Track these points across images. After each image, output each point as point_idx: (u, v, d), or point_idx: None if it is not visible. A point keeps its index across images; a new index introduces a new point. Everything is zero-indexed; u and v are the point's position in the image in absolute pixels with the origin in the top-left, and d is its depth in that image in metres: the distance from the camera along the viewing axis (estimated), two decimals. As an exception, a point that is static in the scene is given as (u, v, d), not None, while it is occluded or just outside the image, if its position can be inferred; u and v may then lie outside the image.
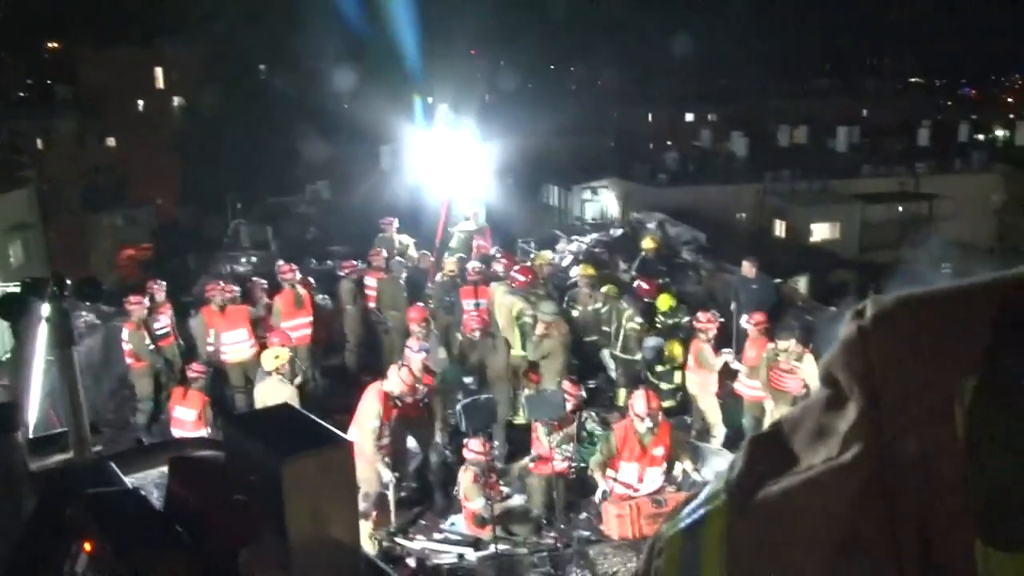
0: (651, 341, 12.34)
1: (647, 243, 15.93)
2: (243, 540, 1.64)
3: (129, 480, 2.16)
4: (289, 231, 21.33)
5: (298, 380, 10.72)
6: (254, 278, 14.22)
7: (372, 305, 13.94)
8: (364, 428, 8.71)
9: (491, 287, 12.87)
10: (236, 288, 12.83)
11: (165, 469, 1.96)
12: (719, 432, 10.96)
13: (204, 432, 10.43)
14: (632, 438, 8.46)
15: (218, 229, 22.40)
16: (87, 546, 1.71)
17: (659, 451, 8.48)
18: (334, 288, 14.61)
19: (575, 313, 12.99)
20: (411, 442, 10.04)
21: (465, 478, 8.70)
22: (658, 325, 12.46)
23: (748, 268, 13.92)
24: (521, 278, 12.13)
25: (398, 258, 15.01)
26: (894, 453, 0.60)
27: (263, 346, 11.69)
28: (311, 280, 14.04)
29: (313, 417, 1.97)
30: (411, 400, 9.29)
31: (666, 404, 10.10)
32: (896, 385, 0.62)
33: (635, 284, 12.66)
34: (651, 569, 0.76)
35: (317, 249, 18.86)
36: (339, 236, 20.00)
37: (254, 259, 18.13)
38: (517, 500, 9.23)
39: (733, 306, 14.02)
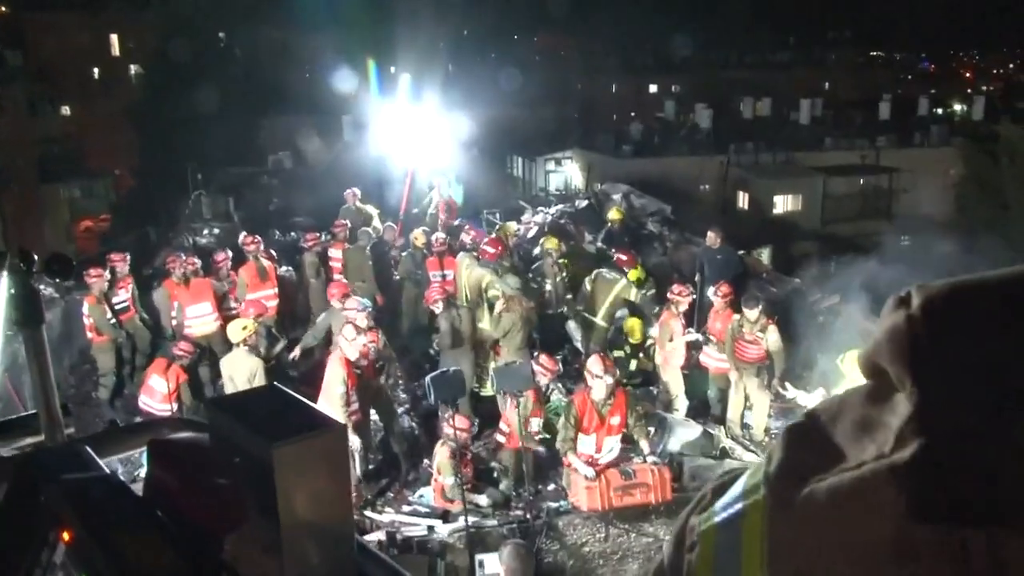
0: (619, 314, 12.44)
1: (613, 214, 15.95)
2: (229, 527, 1.60)
3: (105, 464, 2.09)
4: (251, 202, 21.03)
5: (280, 346, 10.86)
6: (217, 250, 14.03)
7: (337, 277, 13.84)
8: (332, 396, 8.75)
9: (458, 258, 12.82)
10: (198, 260, 12.65)
11: (143, 451, 1.91)
12: (682, 404, 11.06)
13: (172, 407, 10.37)
14: (590, 408, 8.52)
15: (179, 200, 21.99)
16: (65, 535, 1.65)
17: (616, 420, 8.56)
18: (298, 260, 14.48)
19: (547, 286, 13.00)
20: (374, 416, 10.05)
21: (441, 452, 8.70)
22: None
23: (713, 239, 14.02)
24: (491, 250, 12.07)
25: (364, 228, 14.91)
26: (960, 452, 0.56)
27: (228, 319, 11.58)
28: (274, 252, 13.88)
29: (303, 399, 1.92)
30: (367, 363, 9.24)
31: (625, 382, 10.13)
32: (955, 379, 0.58)
33: (614, 256, 12.68)
34: (683, 563, 0.73)
35: (280, 220, 18.62)
36: (302, 207, 19.77)
37: (216, 231, 17.86)
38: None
39: (698, 277, 14.14)
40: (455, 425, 8.39)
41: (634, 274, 12.57)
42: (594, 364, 8.54)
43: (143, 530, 1.59)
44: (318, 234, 14.30)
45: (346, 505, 1.87)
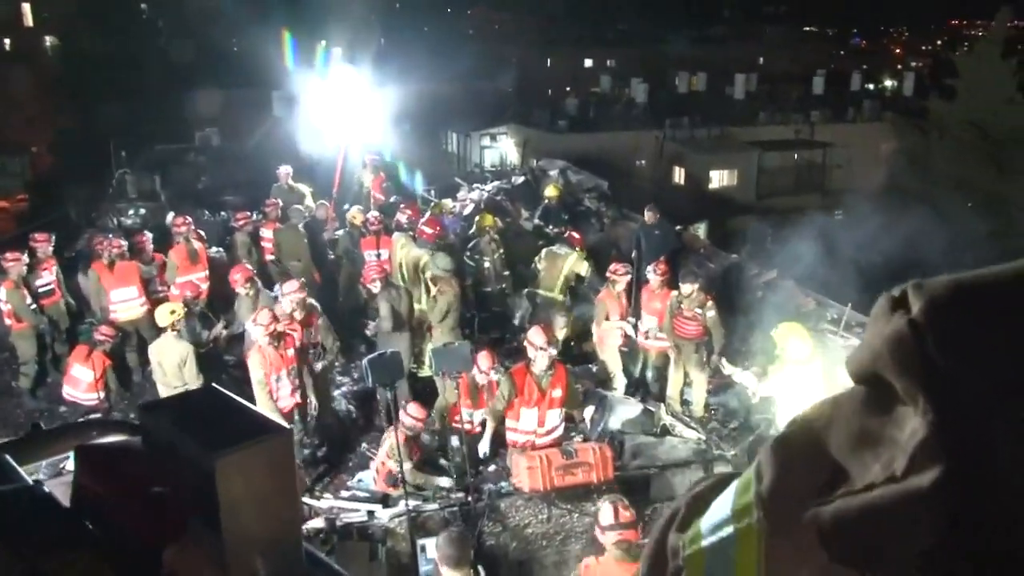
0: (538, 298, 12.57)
1: (550, 191, 15.97)
2: (167, 538, 1.53)
3: (28, 473, 1.98)
4: (179, 180, 20.54)
5: (217, 330, 10.84)
6: (143, 231, 13.66)
7: (270, 257, 13.64)
8: (253, 382, 8.65)
9: (393, 238, 12.71)
10: (123, 242, 12.29)
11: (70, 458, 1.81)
12: (619, 383, 11.16)
13: (98, 396, 10.13)
14: (530, 381, 8.52)
15: (101, 179, 21.33)
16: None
17: (557, 392, 8.60)
18: (228, 240, 14.21)
19: (486, 263, 12.97)
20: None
21: (391, 438, 8.63)
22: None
23: (650, 216, 14.13)
24: (429, 230, 11.97)
25: (296, 206, 14.67)
26: (987, 477, 0.52)
27: (156, 303, 11.31)
28: (203, 233, 13.58)
29: (244, 402, 1.85)
30: (277, 346, 9.10)
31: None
32: (973, 395, 0.53)
33: (565, 233, 12.83)
34: None
35: (209, 199, 18.23)
36: (232, 185, 19.39)
37: (142, 211, 17.38)
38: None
39: (635, 254, 14.25)
40: (410, 413, 8.41)
41: (580, 254, 12.66)
42: (536, 336, 8.54)
43: (69, 543, 1.50)
44: (249, 213, 14.04)
45: (294, 514, 1.81)
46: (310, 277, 12.26)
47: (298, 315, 9.71)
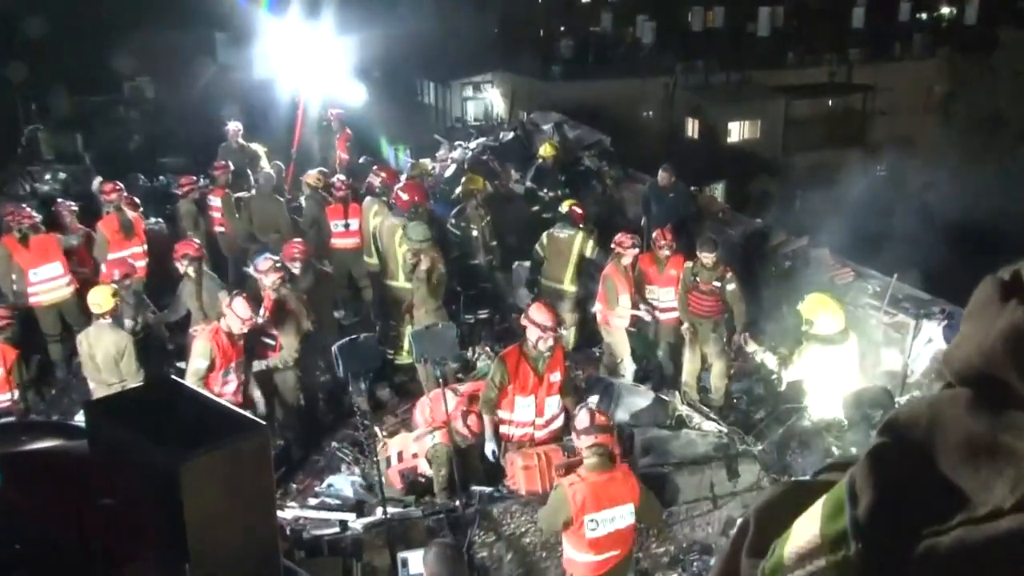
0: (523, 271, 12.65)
1: (544, 150, 16.01)
2: (118, 560, 1.52)
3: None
4: (105, 139, 20.46)
5: (129, 325, 10.43)
6: (63, 199, 13.61)
7: (219, 229, 13.63)
8: (188, 373, 8.67)
9: (364, 204, 12.75)
10: (36, 214, 12.04)
11: None
12: (628, 368, 11.27)
13: (11, 396, 9.93)
14: (524, 365, 8.58)
15: (8, 137, 21.08)
16: None
17: (556, 376, 8.70)
18: (169, 210, 14.21)
19: (474, 232, 13.01)
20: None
21: (435, 438, 8.70)
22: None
23: (664, 177, 14.20)
24: (405, 197, 12.00)
25: (267, 170, 14.63)
26: None
27: (83, 283, 11.29)
28: (137, 201, 13.55)
29: (211, 397, 1.88)
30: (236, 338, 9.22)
31: None
32: None
33: (568, 209, 12.59)
34: None
35: (144, 162, 18.18)
36: (171, 145, 19.34)
37: (62, 175, 17.23)
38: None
39: (644, 221, 14.32)
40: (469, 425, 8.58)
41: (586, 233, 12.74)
42: (538, 313, 8.56)
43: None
44: (194, 178, 14.00)
45: (271, 527, 1.81)
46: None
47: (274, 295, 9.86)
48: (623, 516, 6.89)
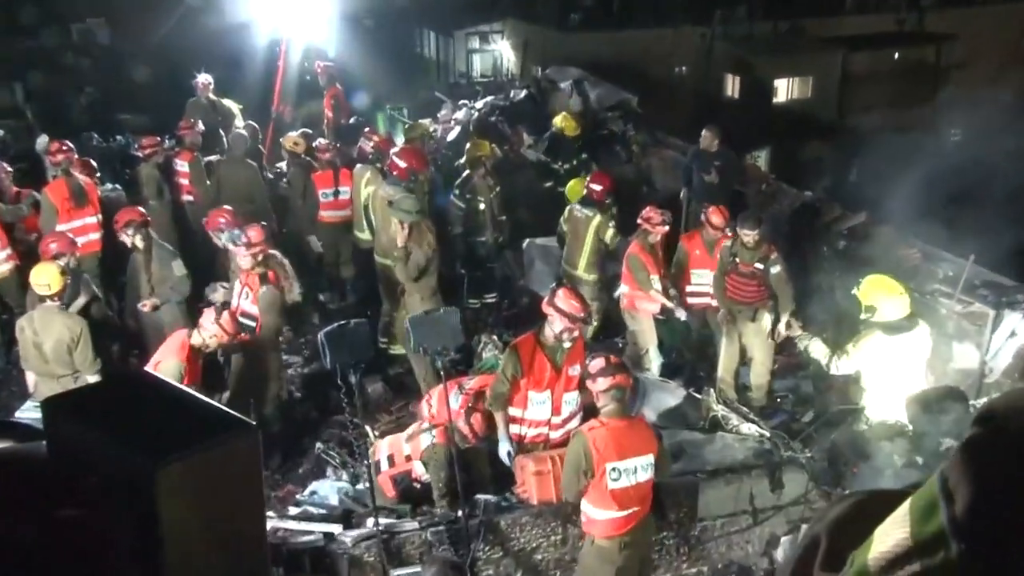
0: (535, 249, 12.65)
1: (561, 122, 15.87)
2: None
3: None
4: (51, 92, 20.47)
5: (79, 302, 10.43)
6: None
7: (186, 198, 13.66)
8: (167, 367, 8.76)
9: (355, 171, 12.77)
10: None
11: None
12: (654, 361, 11.34)
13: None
14: (540, 356, 8.59)
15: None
16: None
17: (575, 370, 8.67)
18: (128, 175, 14.24)
19: (481, 206, 13.02)
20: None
21: (430, 436, 8.77)
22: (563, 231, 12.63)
23: (709, 138, 14.15)
24: (402, 163, 11.98)
25: (239, 130, 14.64)
26: None
27: (25, 258, 11.31)
28: (94, 164, 13.58)
29: (190, 391, 1.88)
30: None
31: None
32: None
33: (586, 186, 12.56)
34: None
35: (99, 119, 18.20)
36: (130, 100, 19.36)
37: (-1, 132, 17.24)
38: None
39: (684, 192, 14.26)
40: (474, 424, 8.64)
41: (575, 190, 12.66)
42: (564, 301, 8.50)
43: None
44: (157, 139, 14.03)
45: (259, 538, 1.81)
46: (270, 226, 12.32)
47: (257, 269, 9.96)
48: (644, 468, 7.29)
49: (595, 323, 12.19)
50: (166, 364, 8.92)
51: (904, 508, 0.67)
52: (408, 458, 8.89)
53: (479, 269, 13.12)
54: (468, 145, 14.08)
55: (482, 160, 13.32)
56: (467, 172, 13.43)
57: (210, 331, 9.15)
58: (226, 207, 11.66)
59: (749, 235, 10.59)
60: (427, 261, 10.81)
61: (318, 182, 13.12)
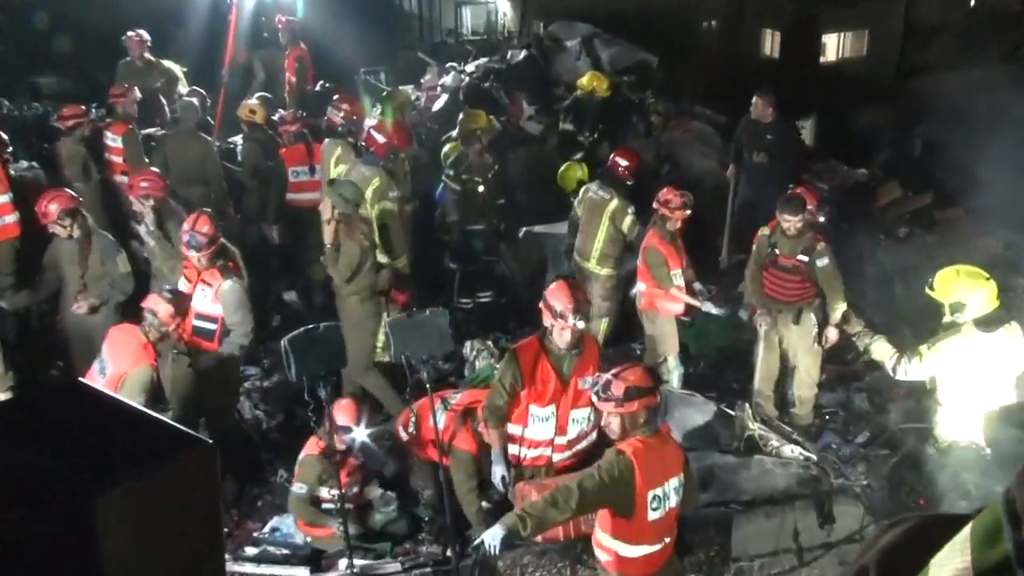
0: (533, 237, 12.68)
1: (589, 81, 15.78)
2: None
3: None
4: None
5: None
6: None
7: (119, 178, 13.63)
8: (129, 385, 8.78)
9: (323, 147, 12.80)
10: None
11: None
12: (674, 372, 11.44)
13: None
14: (544, 364, 8.46)
15: None
16: None
17: (586, 381, 8.36)
18: (47, 150, 14.22)
19: (479, 188, 13.07)
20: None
21: (308, 462, 8.80)
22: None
23: (762, 106, 14.07)
24: (380, 139, 12.00)
25: (187, 98, 14.59)
26: None
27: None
28: (4, 137, 13.54)
29: (137, 407, 1.89)
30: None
31: None
32: None
33: (611, 159, 12.54)
34: None
35: (10, 82, 18.15)
36: (48, 60, 19.30)
37: None
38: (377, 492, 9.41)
39: (731, 170, 14.21)
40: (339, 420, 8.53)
41: (571, 175, 12.68)
42: (556, 296, 8.39)
43: None
44: (83, 108, 14.00)
45: (218, 565, 1.83)
46: (221, 212, 12.31)
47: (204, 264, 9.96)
48: (676, 491, 7.14)
49: (604, 325, 12.24)
50: (135, 374, 9.00)
51: (964, 534, 0.70)
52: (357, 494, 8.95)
53: (475, 263, 13.16)
54: (461, 116, 14.04)
55: (478, 134, 13.33)
56: (462, 149, 13.44)
57: (162, 311, 9.18)
58: (152, 168, 11.59)
59: (791, 221, 10.53)
60: (362, 256, 10.82)
61: (288, 158, 13.18)
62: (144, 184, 11.09)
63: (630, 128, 16.80)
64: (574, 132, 15.54)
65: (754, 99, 14.21)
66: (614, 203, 12.14)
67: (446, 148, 14.08)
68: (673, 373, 11.35)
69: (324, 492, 8.83)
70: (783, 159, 13.85)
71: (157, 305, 9.25)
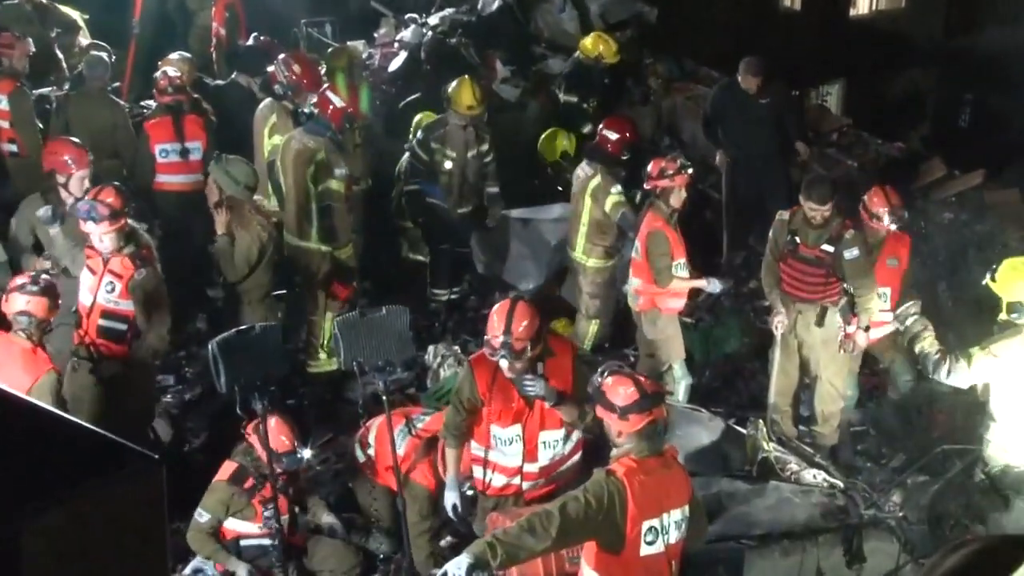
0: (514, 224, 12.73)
1: (592, 45, 15.75)
2: None
3: None
4: None
5: None
6: None
7: (8, 147, 13.60)
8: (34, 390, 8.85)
9: (258, 112, 12.87)
10: None
11: None
12: (680, 381, 11.54)
13: None
14: (502, 378, 8.37)
15: None
16: None
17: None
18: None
19: (447, 164, 13.22)
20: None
21: (215, 488, 8.88)
22: None
23: (749, 77, 14.21)
24: (336, 102, 12.03)
25: (97, 53, 14.51)
26: None
27: None
28: None
29: (69, 417, 1.94)
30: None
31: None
32: None
33: (599, 131, 12.70)
34: None
35: None
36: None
37: None
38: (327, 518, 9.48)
39: (720, 157, 14.31)
40: (267, 433, 8.53)
41: (555, 143, 12.74)
42: (494, 319, 8.24)
43: None
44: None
45: None
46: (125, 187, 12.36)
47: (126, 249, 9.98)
48: (677, 524, 7.01)
49: (594, 328, 12.35)
50: (37, 388, 9.01)
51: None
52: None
53: (443, 254, 13.40)
54: (452, 86, 13.59)
55: (470, 107, 13.30)
56: (444, 119, 13.49)
57: (34, 306, 9.20)
58: (69, 138, 11.64)
59: (817, 211, 10.58)
60: (260, 250, 10.89)
61: (152, 133, 13.02)
62: (65, 157, 11.05)
63: (624, 93, 16.82)
64: (576, 101, 15.57)
65: (741, 66, 14.36)
66: (596, 179, 12.27)
67: (418, 116, 14.16)
68: (680, 383, 11.45)
69: (238, 525, 8.92)
70: (775, 134, 14.01)
71: (27, 305, 9.22)
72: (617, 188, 12.19)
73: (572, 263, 12.42)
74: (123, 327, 9.99)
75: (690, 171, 11.36)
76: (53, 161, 11.08)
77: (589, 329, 12.24)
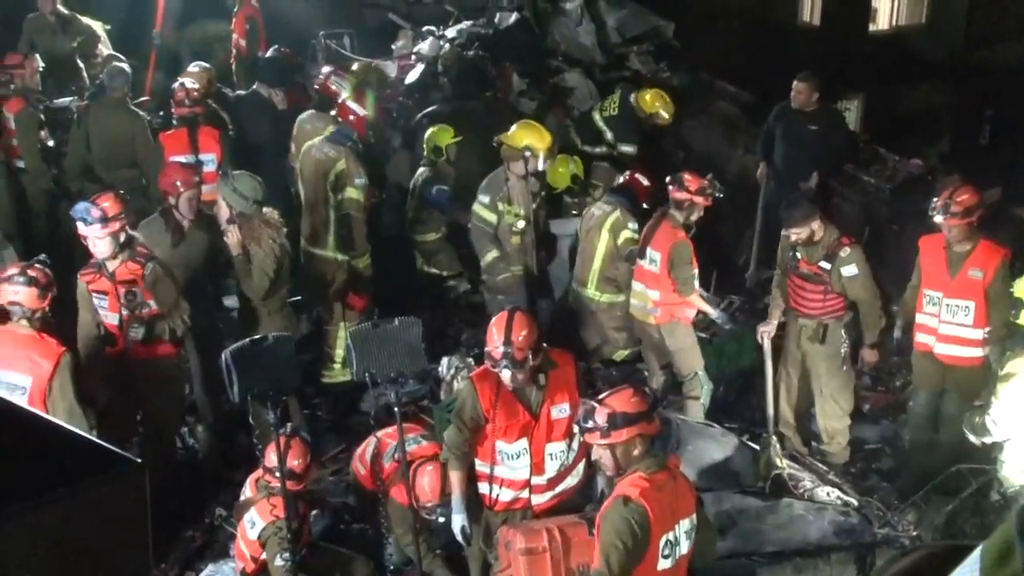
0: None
1: (653, 102, 15.18)
2: None
3: None
4: None
5: None
6: None
7: (20, 163, 13.60)
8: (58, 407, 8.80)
9: (299, 122, 12.93)
10: None
11: None
12: (705, 384, 11.52)
13: None
14: (507, 395, 8.40)
15: None
16: None
17: (561, 411, 8.46)
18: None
19: (520, 223, 13.01)
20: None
21: (256, 511, 8.82)
22: None
23: (803, 92, 14.10)
24: (360, 110, 12.03)
25: (118, 64, 14.49)
26: None
27: None
28: None
29: (53, 420, 1.94)
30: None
31: None
32: None
33: (630, 176, 12.76)
34: None
35: None
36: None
37: None
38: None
39: (761, 169, 14.25)
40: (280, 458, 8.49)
41: (563, 171, 12.99)
42: (493, 331, 8.28)
43: None
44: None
45: None
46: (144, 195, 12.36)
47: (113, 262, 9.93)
48: (687, 533, 7.03)
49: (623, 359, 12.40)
50: (61, 371, 8.94)
51: (975, 555, 0.76)
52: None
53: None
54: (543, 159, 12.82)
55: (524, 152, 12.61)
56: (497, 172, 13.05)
57: (23, 296, 9.05)
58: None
59: (790, 233, 10.70)
60: (277, 265, 10.90)
61: (167, 144, 12.95)
62: (177, 181, 11.09)
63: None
64: (611, 141, 15.19)
65: (795, 84, 14.25)
66: (615, 214, 12.26)
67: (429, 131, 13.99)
68: (704, 387, 11.44)
69: (278, 561, 8.87)
70: (827, 153, 13.93)
71: (16, 296, 9.06)
72: (634, 225, 12.20)
73: (582, 301, 12.46)
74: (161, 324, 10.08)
75: (707, 200, 11.37)
76: (166, 184, 11.12)
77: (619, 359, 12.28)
